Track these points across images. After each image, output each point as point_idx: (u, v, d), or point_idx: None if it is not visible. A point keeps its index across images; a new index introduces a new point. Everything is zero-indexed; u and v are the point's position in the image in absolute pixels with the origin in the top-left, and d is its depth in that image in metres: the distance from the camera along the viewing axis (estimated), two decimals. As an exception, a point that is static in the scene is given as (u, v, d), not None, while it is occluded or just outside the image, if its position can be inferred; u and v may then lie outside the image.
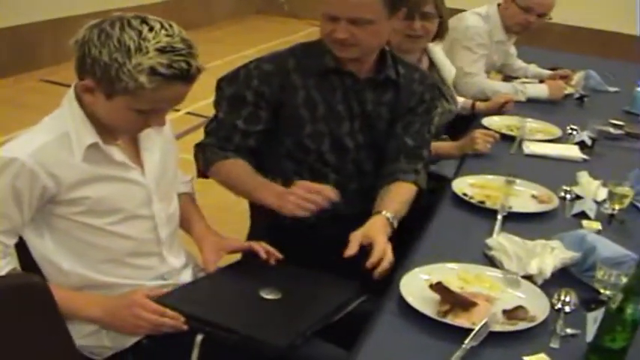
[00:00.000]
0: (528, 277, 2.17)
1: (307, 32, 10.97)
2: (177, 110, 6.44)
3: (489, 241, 2.34)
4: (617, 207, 2.66)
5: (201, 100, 6.58)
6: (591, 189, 2.86)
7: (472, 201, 2.70)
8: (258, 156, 2.75)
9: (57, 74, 7.42)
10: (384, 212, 2.52)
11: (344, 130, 2.74)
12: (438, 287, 1.98)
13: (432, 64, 3.66)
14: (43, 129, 2.09)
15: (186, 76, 1.99)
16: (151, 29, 1.97)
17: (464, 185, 2.84)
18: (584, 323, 1.99)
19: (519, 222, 2.57)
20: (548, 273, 2.18)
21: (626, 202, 2.67)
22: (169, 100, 2.06)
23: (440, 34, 3.50)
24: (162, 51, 1.95)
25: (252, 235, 2.89)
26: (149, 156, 2.23)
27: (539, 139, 3.59)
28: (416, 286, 2.06)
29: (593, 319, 1.96)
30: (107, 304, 2.12)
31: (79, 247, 2.14)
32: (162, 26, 1.98)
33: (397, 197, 2.67)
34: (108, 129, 2.12)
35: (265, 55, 2.78)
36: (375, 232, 2.39)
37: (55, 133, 2.06)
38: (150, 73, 1.94)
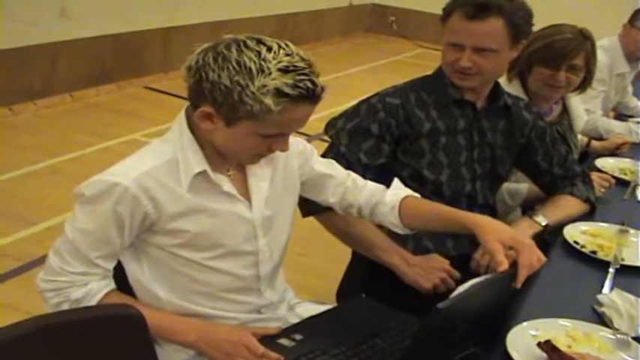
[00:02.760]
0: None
1: (415, 53, 10.95)
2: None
3: (600, 297, 2.20)
4: None
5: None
6: None
7: (584, 250, 2.57)
8: None
9: (162, 82, 7.51)
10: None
11: (462, 159, 2.73)
12: (547, 346, 1.87)
13: (565, 110, 3.59)
14: (151, 153, 2.01)
15: (312, 96, 1.88)
16: (269, 49, 1.86)
17: (576, 232, 2.70)
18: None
19: (632, 276, 2.43)
20: (662, 336, 2.05)
21: None
22: (295, 123, 1.95)
23: (582, 86, 3.42)
24: (285, 71, 1.84)
25: (354, 263, 2.87)
26: (258, 187, 2.12)
27: (654, 184, 3.40)
28: (523, 342, 1.93)
29: None
30: (204, 330, 2.06)
31: (174, 278, 2.08)
32: (279, 46, 1.88)
33: (547, 203, 2.89)
34: (224, 157, 2.03)
35: (386, 91, 2.75)
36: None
37: (163, 159, 1.97)
38: (275, 94, 1.83)
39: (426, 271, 2.50)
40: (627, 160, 3.69)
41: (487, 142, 2.79)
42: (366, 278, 2.73)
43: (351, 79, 8.78)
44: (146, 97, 7.27)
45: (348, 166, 2.58)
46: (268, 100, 1.84)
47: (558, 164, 2.95)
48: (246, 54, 1.85)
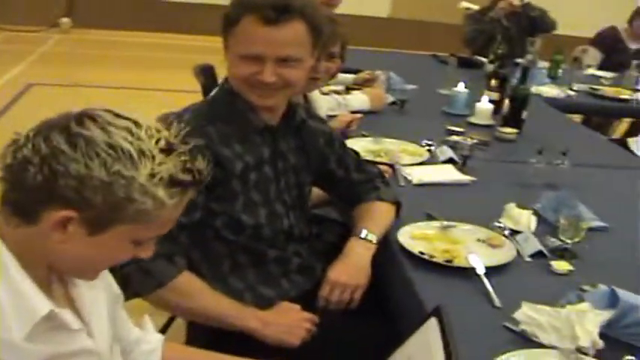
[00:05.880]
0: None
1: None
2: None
3: (517, 316, 2.07)
4: (575, 239, 2.49)
5: None
6: (523, 221, 2.67)
7: (436, 260, 2.38)
8: None
9: None
10: (353, 236, 2.51)
11: (272, 194, 2.42)
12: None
13: (306, 100, 3.35)
14: None
15: (199, 182, 1.50)
16: (136, 124, 1.44)
17: (408, 239, 2.49)
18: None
19: (495, 275, 2.32)
20: (599, 341, 1.95)
21: (583, 232, 2.51)
22: (175, 219, 1.53)
23: (334, 74, 3.29)
24: (168, 152, 1.44)
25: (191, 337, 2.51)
26: (96, 309, 1.63)
27: (410, 162, 3.27)
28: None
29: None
30: None
31: None
32: (135, 120, 1.45)
33: (363, 215, 2.61)
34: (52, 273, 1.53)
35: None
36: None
37: None
38: (169, 184, 1.42)
39: (288, 326, 2.24)
40: (368, 139, 3.55)
41: (291, 166, 2.49)
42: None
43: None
44: None
45: (172, 233, 2.12)
46: (161, 193, 1.42)
47: (355, 169, 2.71)
48: (116, 133, 1.41)
